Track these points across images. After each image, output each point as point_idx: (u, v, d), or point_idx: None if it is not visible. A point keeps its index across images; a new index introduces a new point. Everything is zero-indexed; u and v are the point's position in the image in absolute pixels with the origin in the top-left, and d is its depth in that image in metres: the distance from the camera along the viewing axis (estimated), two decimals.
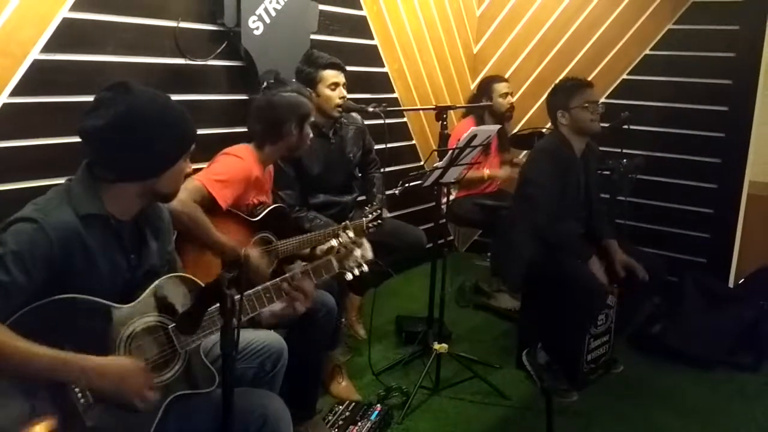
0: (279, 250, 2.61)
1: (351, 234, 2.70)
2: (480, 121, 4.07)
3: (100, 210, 1.61)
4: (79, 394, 1.50)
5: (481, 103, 4.05)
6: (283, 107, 2.57)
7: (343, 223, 2.74)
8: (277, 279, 1.80)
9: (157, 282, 1.67)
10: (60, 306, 1.50)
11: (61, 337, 1.47)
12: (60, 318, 1.50)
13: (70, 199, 1.58)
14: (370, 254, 1.99)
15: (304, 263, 2.09)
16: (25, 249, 1.47)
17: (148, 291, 1.65)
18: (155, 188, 1.66)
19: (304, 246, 2.69)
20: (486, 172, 4.09)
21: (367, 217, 2.94)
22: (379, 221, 2.95)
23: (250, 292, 1.75)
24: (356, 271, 1.96)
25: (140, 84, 1.65)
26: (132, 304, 1.62)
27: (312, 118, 2.65)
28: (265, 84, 2.72)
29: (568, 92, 3.09)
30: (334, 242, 1.97)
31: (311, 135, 2.69)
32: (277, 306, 1.84)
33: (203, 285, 1.67)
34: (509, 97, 4.16)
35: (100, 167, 1.63)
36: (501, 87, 4.14)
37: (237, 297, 1.40)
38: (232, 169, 2.47)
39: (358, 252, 1.95)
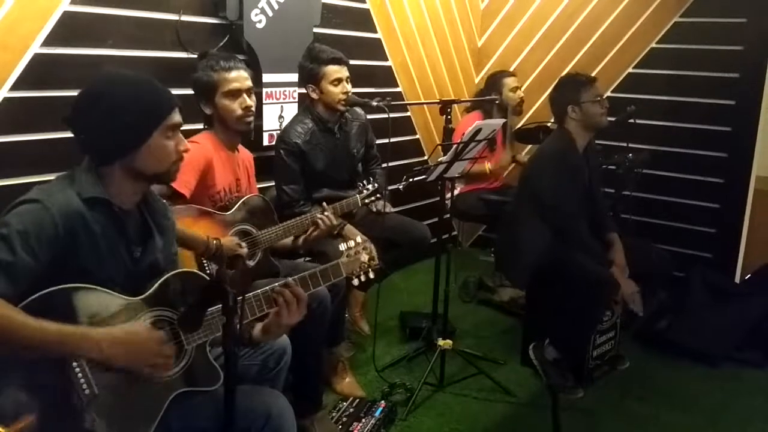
0: (260, 240, 2.55)
1: (333, 215, 2.68)
2: (487, 116, 4.04)
3: (102, 194, 1.59)
4: (84, 385, 1.48)
5: (490, 97, 4.02)
6: (194, 88, 2.52)
7: (331, 206, 2.72)
8: (276, 284, 1.75)
9: (165, 276, 1.66)
10: (68, 296, 1.49)
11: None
12: (68, 308, 1.48)
13: (74, 184, 1.58)
14: (376, 260, 1.96)
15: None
16: (30, 229, 1.45)
17: (156, 285, 1.64)
18: (136, 167, 1.62)
19: (288, 234, 2.64)
20: (488, 165, 4.06)
21: (361, 193, 2.87)
22: (378, 195, 2.88)
23: (250, 295, 1.72)
24: (362, 278, 1.94)
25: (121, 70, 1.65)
26: (140, 297, 1.61)
27: (228, 87, 2.47)
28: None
29: (577, 87, 3.07)
30: (342, 246, 1.93)
31: (244, 103, 2.50)
32: (260, 325, 1.80)
33: (209, 281, 1.66)
34: (519, 91, 4.14)
35: (86, 153, 1.63)
36: (510, 81, 4.12)
37: (240, 295, 1.38)
38: (187, 154, 2.41)
39: (365, 257, 1.92)
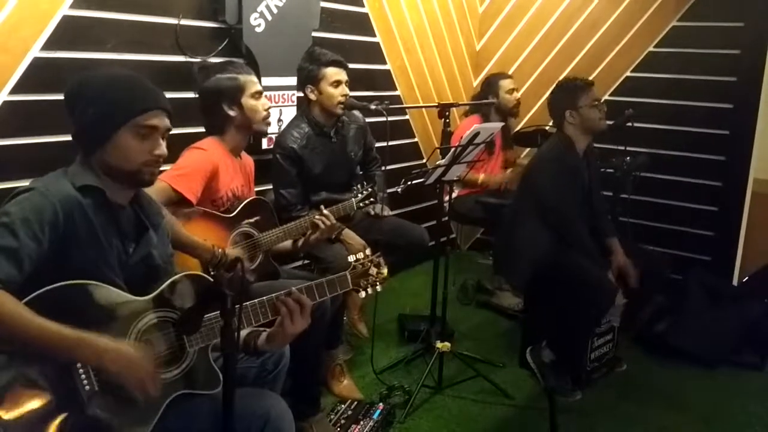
0: (261, 242, 2.58)
1: (331, 215, 2.69)
2: (486, 119, 4.04)
3: (96, 183, 1.62)
4: (85, 381, 1.49)
5: (487, 100, 4.03)
6: (209, 94, 2.55)
7: (327, 209, 2.72)
8: (282, 292, 1.76)
9: (172, 279, 1.67)
10: (74, 292, 1.51)
11: (72, 324, 1.46)
12: (73, 305, 1.50)
13: (67, 175, 1.62)
14: (385, 273, 1.97)
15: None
16: (31, 215, 1.48)
17: (164, 286, 1.65)
18: (105, 161, 1.63)
19: (288, 236, 2.66)
20: (481, 176, 4.06)
21: (357, 197, 2.87)
22: (372, 199, 2.88)
23: (255, 301, 1.73)
24: (369, 290, 1.94)
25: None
26: (147, 297, 1.63)
27: (253, 89, 2.57)
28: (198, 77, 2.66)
29: (575, 92, 3.08)
30: (351, 258, 1.93)
31: (265, 104, 2.61)
32: (265, 333, 1.81)
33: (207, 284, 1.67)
34: (515, 93, 4.15)
35: (75, 144, 1.68)
36: (507, 83, 4.13)
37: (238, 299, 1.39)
38: (193, 161, 2.44)
39: (373, 270, 1.93)
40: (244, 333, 1.79)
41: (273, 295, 1.74)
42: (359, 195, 2.86)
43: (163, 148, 1.68)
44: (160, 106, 1.68)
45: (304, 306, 1.75)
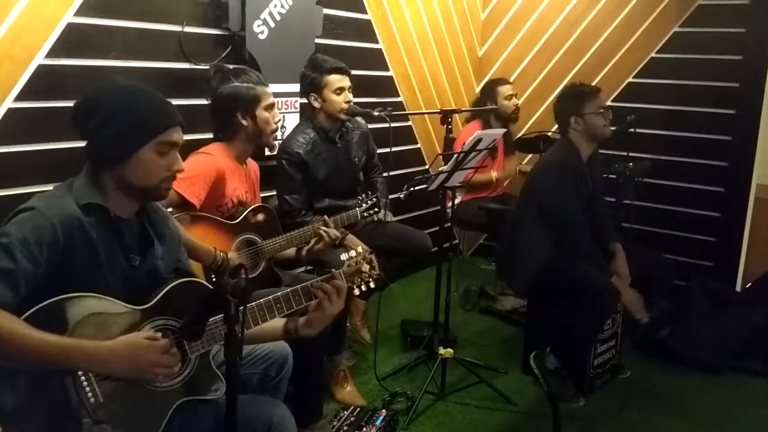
0: (264, 250, 2.59)
1: (333, 230, 2.71)
2: (486, 125, 4.06)
3: (100, 200, 1.61)
4: (89, 393, 1.49)
5: (486, 106, 4.04)
6: (225, 101, 2.55)
7: (332, 218, 2.74)
8: (298, 286, 1.79)
9: (170, 285, 1.67)
10: (73, 305, 1.50)
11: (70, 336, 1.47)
12: (71, 318, 1.50)
13: (72, 192, 1.61)
14: (377, 270, 1.98)
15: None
16: (29, 236, 1.47)
17: (161, 294, 1.65)
18: (124, 178, 1.63)
19: (291, 244, 2.67)
20: (494, 174, 4.08)
21: (361, 206, 2.89)
22: (376, 209, 2.91)
23: (261, 301, 1.74)
24: (363, 287, 1.96)
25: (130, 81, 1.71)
26: (144, 306, 1.62)
27: (268, 101, 2.59)
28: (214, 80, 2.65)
29: (581, 98, 3.09)
30: (344, 256, 1.95)
31: (277, 117, 2.64)
32: (303, 319, 1.84)
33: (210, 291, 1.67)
34: (514, 98, 4.16)
35: (86, 157, 1.66)
36: (505, 89, 4.13)
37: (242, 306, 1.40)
38: (198, 165, 2.45)
39: (366, 267, 1.94)
40: (280, 322, 1.84)
41: (307, 282, 1.81)
42: (363, 205, 2.87)
43: (180, 163, 1.70)
44: (180, 121, 1.69)
45: (340, 289, 1.81)
